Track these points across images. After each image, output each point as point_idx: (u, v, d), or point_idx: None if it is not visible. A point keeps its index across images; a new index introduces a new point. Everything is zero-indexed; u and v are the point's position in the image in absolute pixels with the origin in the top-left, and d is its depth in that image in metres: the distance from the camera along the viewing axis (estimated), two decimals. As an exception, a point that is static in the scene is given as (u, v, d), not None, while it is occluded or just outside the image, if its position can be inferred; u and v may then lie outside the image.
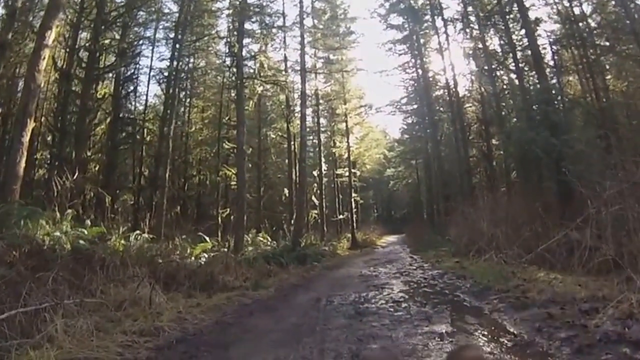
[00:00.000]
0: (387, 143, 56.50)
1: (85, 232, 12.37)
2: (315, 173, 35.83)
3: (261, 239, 25.10)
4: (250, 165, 33.39)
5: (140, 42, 30.50)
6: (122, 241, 13.44)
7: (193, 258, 15.45)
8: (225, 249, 19.50)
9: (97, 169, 27.50)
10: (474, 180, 31.74)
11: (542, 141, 16.81)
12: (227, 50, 28.49)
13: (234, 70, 25.43)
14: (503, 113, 28.22)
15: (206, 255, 16.22)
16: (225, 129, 33.02)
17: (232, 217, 28.77)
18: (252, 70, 25.85)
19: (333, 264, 21.27)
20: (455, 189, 32.82)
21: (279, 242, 25.19)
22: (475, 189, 29.82)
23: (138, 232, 15.67)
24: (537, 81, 22.30)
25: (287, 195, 33.70)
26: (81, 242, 11.19)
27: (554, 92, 21.17)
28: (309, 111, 32.21)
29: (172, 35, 28.63)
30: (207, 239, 18.99)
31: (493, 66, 28.75)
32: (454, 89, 32.44)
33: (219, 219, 30.05)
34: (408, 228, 47.77)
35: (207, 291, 11.37)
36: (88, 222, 14.11)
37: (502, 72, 29.42)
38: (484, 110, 30.69)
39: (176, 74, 27.55)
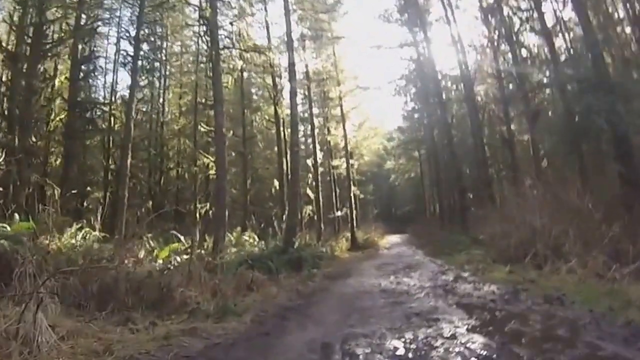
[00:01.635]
0: (386, 133, 52.58)
1: (8, 229, 10.09)
2: (309, 162, 33.17)
3: (247, 238, 21.92)
4: (234, 155, 30.69)
5: (99, 17, 27.35)
6: (64, 241, 11.18)
7: (160, 262, 12.66)
8: (202, 250, 16.64)
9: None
10: (490, 170, 28.88)
11: (606, 108, 13.30)
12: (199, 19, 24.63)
13: (207, 39, 22.10)
14: (527, 87, 24.51)
15: (178, 259, 13.61)
16: (203, 113, 30.19)
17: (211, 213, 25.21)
18: (229, 41, 22.53)
19: (336, 271, 17.43)
20: (469, 180, 30.35)
21: (268, 243, 21.85)
22: (493, 181, 27.65)
23: (88, 229, 13.08)
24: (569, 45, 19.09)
25: (278, 188, 30.25)
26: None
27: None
28: (299, 97, 29.06)
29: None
30: (182, 238, 16.20)
31: (514, 30, 25.30)
32: (464, 64, 28.97)
33: (197, 215, 26.58)
34: (412, 227, 46.13)
35: (159, 311, 8.28)
36: (17, 216, 11.62)
37: (523, 37, 25.84)
38: (501, 87, 26.99)
39: (140, 48, 24.10)
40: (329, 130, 37.00)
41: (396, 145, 50.42)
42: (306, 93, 33.90)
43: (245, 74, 31.66)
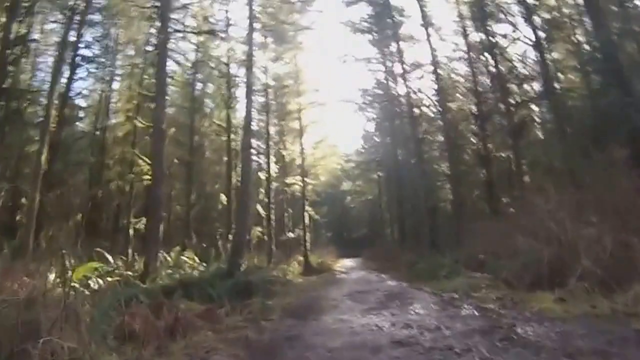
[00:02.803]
0: (343, 155, 49.44)
1: None
2: (262, 176, 29.93)
3: (186, 259, 18.64)
4: (178, 165, 27.96)
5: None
6: None
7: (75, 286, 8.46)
8: (130, 272, 14.05)
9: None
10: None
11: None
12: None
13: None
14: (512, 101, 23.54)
15: (100, 282, 11.54)
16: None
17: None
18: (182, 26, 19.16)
19: (299, 303, 13.27)
20: (438, 200, 28.24)
21: (211, 264, 18.64)
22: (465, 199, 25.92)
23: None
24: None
25: (226, 203, 26.48)
26: None
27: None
28: (255, 104, 25.56)
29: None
30: (110, 257, 13.86)
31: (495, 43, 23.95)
32: (437, 79, 27.09)
33: (131, 230, 22.66)
34: (367, 251, 43.46)
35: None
36: None
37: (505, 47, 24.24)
38: (479, 101, 25.58)
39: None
40: (284, 145, 33.90)
41: (355, 166, 47.90)
42: (263, 100, 30.56)
43: (193, 52, 28.29)
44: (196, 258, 18.66)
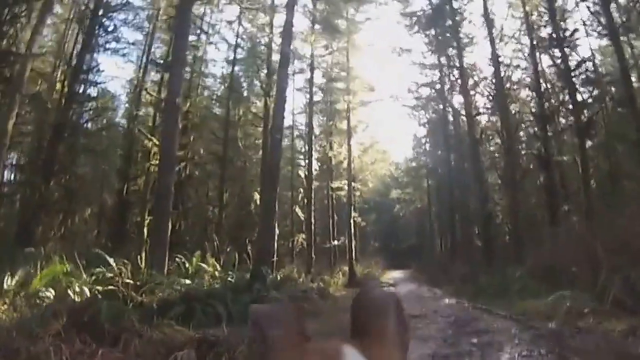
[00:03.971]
0: (392, 162, 47.24)
1: None
2: (302, 174, 27.78)
3: (206, 266, 14.84)
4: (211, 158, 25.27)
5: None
6: None
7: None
8: (129, 280, 10.51)
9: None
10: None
11: None
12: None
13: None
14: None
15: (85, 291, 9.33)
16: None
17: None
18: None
19: (332, 325, 9.41)
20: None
21: (235, 274, 14.88)
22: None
23: None
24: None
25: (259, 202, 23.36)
26: None
27: None
28: (299, 100, 22.83)
29: None
30: (111, 261, 10.93)
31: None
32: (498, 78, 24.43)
33: (144, 228, 19.55)
34: (416, 262, 40.27)
35: None
36: None
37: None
38: (541, 101, 23.51)
39: None
40: (331, 146, 31.12)
41: (404, 173, 44.98)
42: (308, 95, 28.62)
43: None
44: (217, 265, 15.10)
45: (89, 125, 25.36)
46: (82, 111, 23.32)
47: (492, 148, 28.33)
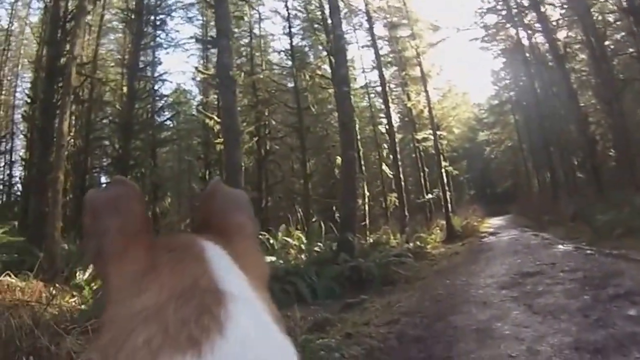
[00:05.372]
0: (474, 104, 44.98)
1: None
2: (382, 129, 26.48)
3: (290, 239, 13.65)
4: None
5: None
6: None
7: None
8: None
9: None
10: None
11: None
12: None
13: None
14: None
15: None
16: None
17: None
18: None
19: (418, 306, 7.73)
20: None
21: (327, 244, 13.53)
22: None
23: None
24: None
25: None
26: None
27: None
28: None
29: None
30: None
31: None
32: None
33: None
34: (515, 206, 38.64)
35: None
36: None
37: None
38: None
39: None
40: (408, 97, 29.19)
41: (488, 112, 42.50)
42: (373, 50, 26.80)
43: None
44: (302, 237, 13.95)
45: (161, 119, 25.44)
46: (151, 108, 23.39)
47: (577, 66, 25.04)
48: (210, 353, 0.48)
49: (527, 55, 27.43)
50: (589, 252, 10.18)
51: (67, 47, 15.03)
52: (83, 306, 6.44)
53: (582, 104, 23.10)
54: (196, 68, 20.24)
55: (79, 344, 4.34)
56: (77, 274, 9.13)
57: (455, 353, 4.67)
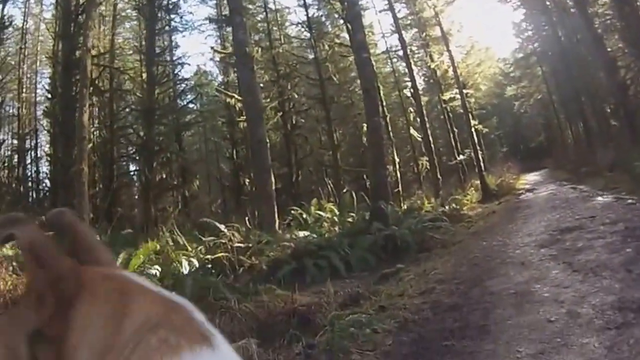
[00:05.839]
0: (499, 58, 43.65)
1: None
2: (407, 93, 26.30)
3: (323, 213, 13.24)
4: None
5: None
6: None
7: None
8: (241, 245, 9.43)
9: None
10: None
11: None
12: None
13: None
14: None
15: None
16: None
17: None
18: None
19: (456, 271, 7.47)
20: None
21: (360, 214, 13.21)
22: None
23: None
24: None
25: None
26: None
27: None
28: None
29: None
30: (222, 227, 9.81)
31: None
32: None
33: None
34: (551, 159, 38.10)
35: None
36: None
37: None
38: None
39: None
40: (431, 58, 28.94)
41: (514, 66, 41.05)
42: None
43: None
44: (335, 209, 13.80)
45: (183, 103, 25.71)
46: (172, 92, 23.84)
47: (600, 10, 23.99)
48: (217, 346, 0.57)
49: (547, 3, 26.80)
50: (629, 201, 9.77)
51: (81, 39, 15.08)
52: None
53: (609, 49, 22.44)
54: (212, 48, 20.26)
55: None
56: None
57: (492, 321, 4.46)
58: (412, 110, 27.39)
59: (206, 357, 0.54)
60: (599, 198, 11.89)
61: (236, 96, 17.91)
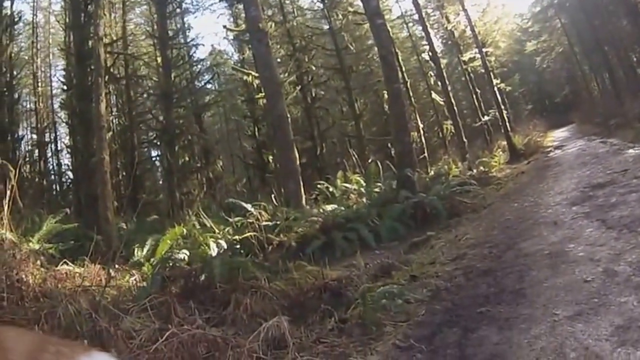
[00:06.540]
0: (516, 13, 42.63)
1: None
2: (425, 57, 25.98)
3: (349, 185, 13.59)
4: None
5: None
6: None
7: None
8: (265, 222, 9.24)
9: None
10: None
11: None
12: None
13: None
14: None
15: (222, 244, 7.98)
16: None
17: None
18: None
19: (487, 237, 7.23)
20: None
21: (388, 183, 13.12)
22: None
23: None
24: None
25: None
26: None
27: None
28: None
29: None
30: (249, 206, 9.55)
31: None
32: None
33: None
34: (578, 113, 35.95)
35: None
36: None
37: None
38: None
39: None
40: (447, 19, 28.30)
41: (532, 20, 40.18)
42: None
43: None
44: (362, 181, 13.70)
45: (201, 84, 25.78)
46: (189, 74, 23.84)
47: None
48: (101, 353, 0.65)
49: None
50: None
51: (92, 29, 15.04)
52: (144, 283, 6.46)
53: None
54: (225, 27, 20.11)
55: (138, 322, 4.36)
56: (136, 252, 9.18)
57: (528, 284, 4.35)
58: (432, 74, 27.16)
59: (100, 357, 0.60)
60: (630, 151, 11.58)
61: (253, 73, 17.89)
